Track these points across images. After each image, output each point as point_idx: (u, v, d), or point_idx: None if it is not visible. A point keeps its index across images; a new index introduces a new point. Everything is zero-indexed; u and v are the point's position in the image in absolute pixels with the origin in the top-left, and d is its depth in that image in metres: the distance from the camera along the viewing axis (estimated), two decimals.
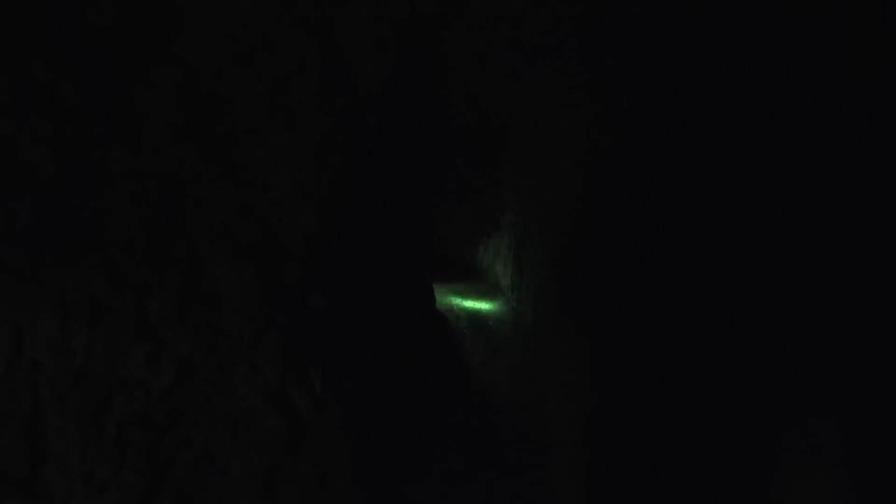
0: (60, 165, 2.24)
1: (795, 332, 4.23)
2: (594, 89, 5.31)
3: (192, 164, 3.12)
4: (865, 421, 3.84)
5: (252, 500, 3.54)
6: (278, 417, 3.86)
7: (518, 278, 8.25)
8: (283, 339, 3.97)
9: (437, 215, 6.30)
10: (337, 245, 4.15)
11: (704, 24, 4.65)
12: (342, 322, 4.38)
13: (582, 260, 5.89)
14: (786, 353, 4.27)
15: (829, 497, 4.02)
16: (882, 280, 3.89)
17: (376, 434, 4.74)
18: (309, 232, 4.11)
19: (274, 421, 3.85)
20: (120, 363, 2.76)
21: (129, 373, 2.80)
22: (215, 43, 3.09)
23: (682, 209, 5.07)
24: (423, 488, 5.09)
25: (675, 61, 4.84)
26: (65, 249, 2.30)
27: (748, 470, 4.40)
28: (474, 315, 8.24)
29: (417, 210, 4.79)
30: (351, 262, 4.31)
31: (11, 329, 2.11)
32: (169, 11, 2.78)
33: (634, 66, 4.92)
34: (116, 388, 2.72)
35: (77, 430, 2.53)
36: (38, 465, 2.37)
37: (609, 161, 5.37)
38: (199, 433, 3.20)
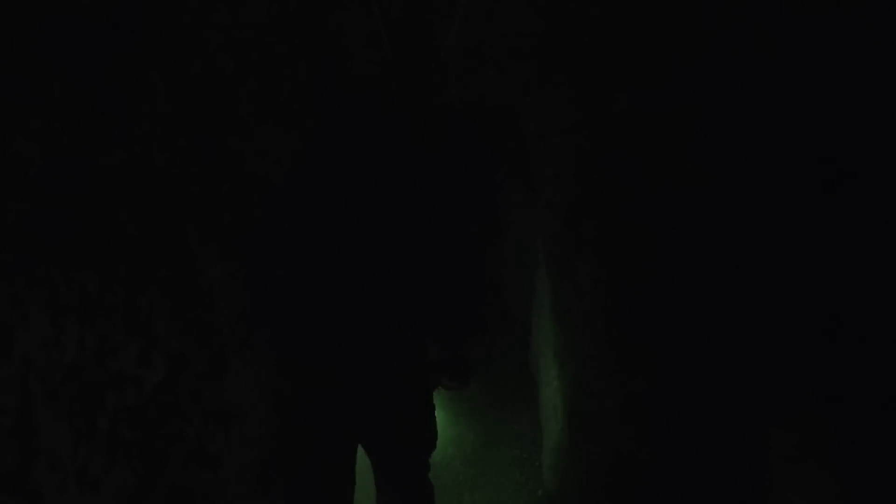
0: (50, 160, 2.22)
1: (784, 331, 4.27)
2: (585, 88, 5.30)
3: (184, 159, 3.11)
4: (858, 420, 3.86)
5: (246, 494, 3.55)
6: (271, 412, 3.87)
7: None
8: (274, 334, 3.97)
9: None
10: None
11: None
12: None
13: None
14: (776, 352, 4.31)
15: (825, 495, 4.06)
16: (874, 280, 3.91)
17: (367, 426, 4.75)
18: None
19: (267, 415, 3.86)
20: (111, 359, 2.75)
21: (120, 368, 2.79)
22: (207, 36, 3.07)
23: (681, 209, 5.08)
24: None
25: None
26: (55, 246, 2.29)
27: (739, 465, 4.44)
28: None
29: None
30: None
31: (2, 326, 2.10)
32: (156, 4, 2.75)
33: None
34: (108, 384, 2.71)
35: (69, 426, 2.52)
36: (28, 461, 2.36)
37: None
38: (192, 428, 3.20)
